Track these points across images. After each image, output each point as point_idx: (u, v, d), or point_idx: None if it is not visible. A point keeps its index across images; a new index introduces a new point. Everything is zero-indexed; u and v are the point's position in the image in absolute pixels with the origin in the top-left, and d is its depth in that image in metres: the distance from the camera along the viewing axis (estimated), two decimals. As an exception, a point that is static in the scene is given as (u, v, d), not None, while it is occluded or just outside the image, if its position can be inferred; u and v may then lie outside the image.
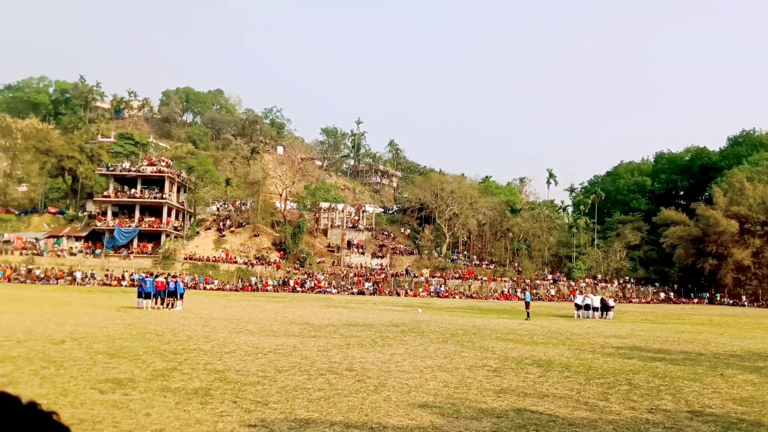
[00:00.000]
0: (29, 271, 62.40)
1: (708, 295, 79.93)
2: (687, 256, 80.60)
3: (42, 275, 61.61)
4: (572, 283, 78.70)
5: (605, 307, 36.73)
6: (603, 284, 79.54)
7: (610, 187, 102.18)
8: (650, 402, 10.02)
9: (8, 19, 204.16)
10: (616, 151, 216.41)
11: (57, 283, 59.98)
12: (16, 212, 77.78)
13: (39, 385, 9.58)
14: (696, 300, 79.13)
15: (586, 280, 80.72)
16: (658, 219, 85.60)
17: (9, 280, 59.62)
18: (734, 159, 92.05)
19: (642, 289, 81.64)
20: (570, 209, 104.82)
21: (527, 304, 34.33)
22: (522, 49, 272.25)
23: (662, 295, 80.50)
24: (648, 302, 75.93)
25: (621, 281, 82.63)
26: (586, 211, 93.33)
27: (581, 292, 62.40)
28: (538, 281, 78.66)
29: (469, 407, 9.11)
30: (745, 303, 74.48)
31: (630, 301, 74.67)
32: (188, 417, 7.91)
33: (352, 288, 69.83)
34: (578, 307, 36.70)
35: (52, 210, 79.13)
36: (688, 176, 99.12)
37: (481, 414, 8.68)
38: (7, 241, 68.31)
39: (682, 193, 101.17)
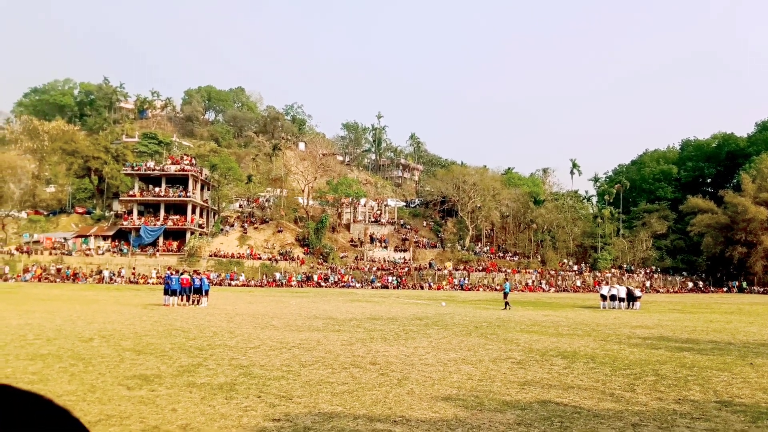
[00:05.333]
0: (58, 270, 63.70)
1: (737, 283, 78.55)
2: (715, 245, 79.28)
3: (71, 274, 62.83)
4: (597, 274, 77.86)
5: (631, 298, 36.33)
6: (629, 274, 78.56)
7: (635, 175, 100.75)
8: (678, 392, 9.87)
9: (33, 21, 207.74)
10: (640, 139, 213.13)
11: (86, 281, 61.11)
12: (45, 213, 79.40)
13: (68, 382, 9.76)
14: (725, 289, 77.82)
15: (612, 270, 79.79)
16: (685, 207, 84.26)
17: (39, 280, 60.90)
18: (763, 145, 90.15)
19: (669, 279, 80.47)
20: (594, 199, 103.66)
21: (505, 294, 34.78)
22: (545, 41, 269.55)
23: (690, 284, 79.31)
24: (675, 292, 74.85)
25: (647, 271, 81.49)
26: (611, 200, 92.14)
27: (607, 283, 61.64)
28: (563, 272, 77.96)
29: (493, 400, 9.06)
30: (776, 291, 73.13)
31: (657, 291, 73.66)
32: (213, 412, 8.00)
33: (375, 282, 69.98)
34: (604, 297, 36.35)
35: (80, 210, 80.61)
36: (715, 163, 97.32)
37: (505, 406, 8.63)
38: (37, 242, 69.74)
39: (709, 180, 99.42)
